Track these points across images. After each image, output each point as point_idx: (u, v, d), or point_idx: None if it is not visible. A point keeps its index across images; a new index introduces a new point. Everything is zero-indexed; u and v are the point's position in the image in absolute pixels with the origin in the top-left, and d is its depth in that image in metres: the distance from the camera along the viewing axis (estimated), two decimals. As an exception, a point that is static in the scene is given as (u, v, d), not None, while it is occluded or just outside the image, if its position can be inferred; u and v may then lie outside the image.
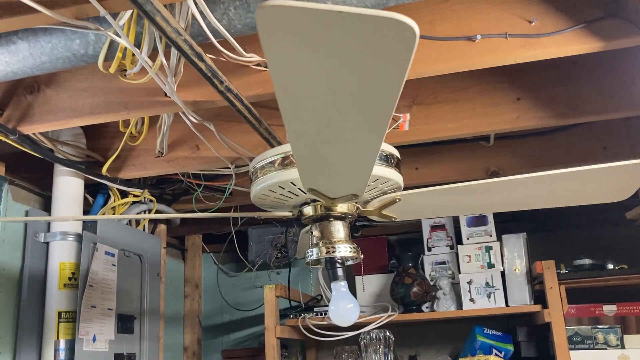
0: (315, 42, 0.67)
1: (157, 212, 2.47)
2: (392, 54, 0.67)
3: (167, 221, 2.66)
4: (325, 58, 0.71)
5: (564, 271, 2.27)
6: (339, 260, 1.39)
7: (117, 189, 2.25)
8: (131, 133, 2.11)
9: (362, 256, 1.43)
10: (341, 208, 1.38)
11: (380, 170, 1.26)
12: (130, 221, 2.37)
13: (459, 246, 2.49)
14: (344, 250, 1.37)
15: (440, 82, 1.91)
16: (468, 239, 2.47)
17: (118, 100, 1.63)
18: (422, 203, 1.37)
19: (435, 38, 1.47)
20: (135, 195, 2.33)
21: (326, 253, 1.37)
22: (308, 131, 0.94)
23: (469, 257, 2.46)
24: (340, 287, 1.40)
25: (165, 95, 1.59)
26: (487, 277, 2.41)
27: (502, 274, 2.40)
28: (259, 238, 3.07)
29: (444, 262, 2.58)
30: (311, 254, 1.40)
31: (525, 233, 2.43)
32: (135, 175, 2.21)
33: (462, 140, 2.24)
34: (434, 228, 2.62)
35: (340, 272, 1.39)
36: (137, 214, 2.41)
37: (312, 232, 1.43)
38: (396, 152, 1.31)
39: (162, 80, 1.44)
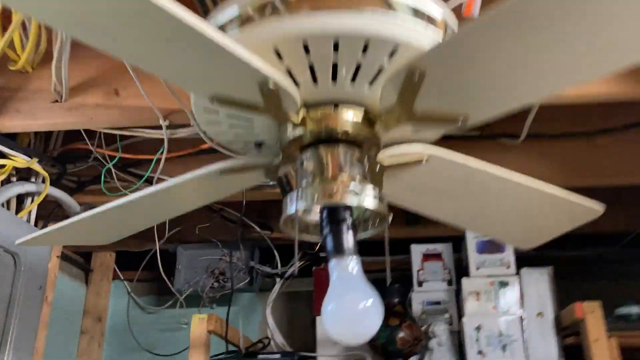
0: None
1: (48, 196, 1.74)
2: None
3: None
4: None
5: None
6: (348, 212, 0.75)
7: (-13, 145, 1.52)
8: (23, 67, 1.45)
9: (391, 215, 0.79)
10: (349, 127, 0.75)
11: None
12: (5, 202, 1.63)
13: (464, 279, 1.85)
14: (360, 193, 0.73)
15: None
16: (478, 269, 1.85)
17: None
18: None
19: None
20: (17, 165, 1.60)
21: (327, 196, 0.72)
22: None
23: (477, 294, 1.82)
24: (347, 267, 0.74)
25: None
26: (500, 323, 1.77)
27: (521, 319, 1.78)
28: (190, 261, 2.35)
29: (438, 302, 1.94)
30: (296, 200, 0.74)
31: (552, 267, 1.84)
32: (20, 126, 1.50)
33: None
34: (427, 257, 1.99)
35: (348, 236, 0.74)
36: (18, 196, 1.68)
37: (300, 167, 0.78)
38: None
39: None
